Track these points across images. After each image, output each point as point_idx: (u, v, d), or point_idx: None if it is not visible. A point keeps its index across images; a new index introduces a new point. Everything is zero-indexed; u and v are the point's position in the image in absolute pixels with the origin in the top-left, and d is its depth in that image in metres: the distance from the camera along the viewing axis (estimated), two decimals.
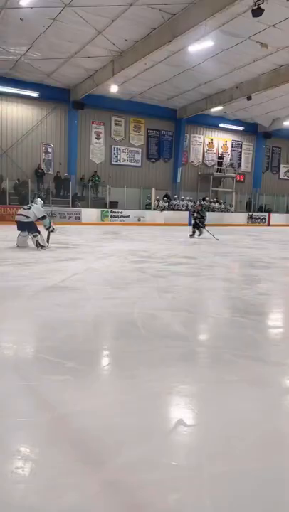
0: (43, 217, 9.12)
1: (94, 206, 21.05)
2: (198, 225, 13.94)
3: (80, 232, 15.06)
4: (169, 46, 14.40)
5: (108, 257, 8.29)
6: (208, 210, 18.03)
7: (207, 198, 25.28)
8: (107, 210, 21.07)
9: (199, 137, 26.61)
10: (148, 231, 16.49)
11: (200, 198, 24.00)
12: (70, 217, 19.50)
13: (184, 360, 3.01)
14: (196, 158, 26.66)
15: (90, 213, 20.26)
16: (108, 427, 2.02)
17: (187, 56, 16.10)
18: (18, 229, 9.02)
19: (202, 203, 14.89)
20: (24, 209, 9.14)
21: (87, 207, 20.76)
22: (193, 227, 14.17)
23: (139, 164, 24.39)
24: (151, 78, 19.03)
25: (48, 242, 9.10)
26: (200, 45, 14.66)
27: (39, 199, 9.81)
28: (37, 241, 8.77)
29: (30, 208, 9.05)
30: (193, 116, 23.97)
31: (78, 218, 19.63)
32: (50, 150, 21.57)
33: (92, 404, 2.28)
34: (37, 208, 9.05)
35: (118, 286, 5.46)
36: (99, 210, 20.78)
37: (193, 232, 14.07)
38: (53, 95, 20.43)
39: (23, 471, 1.67)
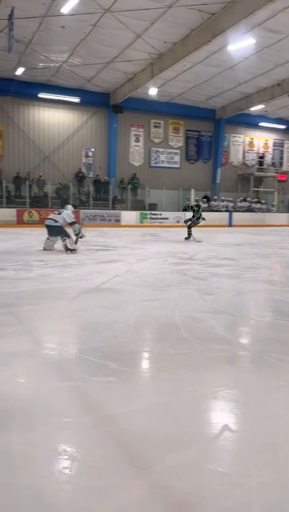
0: (73, 223, 9.24)
1: (133, 208, 21.18)
2: (190, 226, 12.69)
3: (119, 234, 15.20)
4: (209, 46, 14.31)
5: (148, 259, 8.30)
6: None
7: (247, 199, 24.82)
8: (146, 212, 21.13)
9: (239, 137, 26.22)
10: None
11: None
12: (109, 219, 19.73)
13: (228, 363, 2.96)
14: (236, 158, 26.28)
15: (130, 215, 20.39)
16: (153, 429, 2.01)
17: (227, 55, 15.92)
18: (48, 233, 9.19)
19: (199, 203, 13.73)
20: (54, 214, 9.34)
21: (127, 209, 20.91)
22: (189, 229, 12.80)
23: (178, 166, 24.32)
24: (190, 79, 18.95)
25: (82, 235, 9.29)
26: (240, 44, 14.45)
27: (69, 205, 10.04)
28: (65, 245, 8.89)
29: (60, 214, 9.22)
30: (233, 116, 23.65)
31: (118, 221, 19.82)
32: (90, 154, 21.94)
33: (136, 406, 2.28)
34: (67, 214, 9.20)
35: (159, 288, 5.45)
36: (138, 212, 20.88)
37: (189, 235, 12.71)
38: (93, 100, 20.77)
39: (70, 471, 1.70)
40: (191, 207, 13.19)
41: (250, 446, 1.92)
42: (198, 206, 13.28)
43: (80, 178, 21.06)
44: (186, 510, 1.51)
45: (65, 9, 12.40)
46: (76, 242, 9.30)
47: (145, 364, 3.13)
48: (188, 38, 14.45)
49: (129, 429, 2.02)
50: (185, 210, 13.28)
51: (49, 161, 20.91)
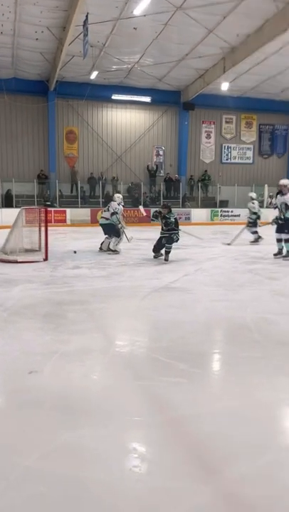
0: (112, 214, 8.78)
1: (203, 206, 20.95)
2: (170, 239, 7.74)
3: (189, 232, 15.08)
4: (284, 36, 13.68)
5: (218, 258, 8.18)
6: None
7: None
8: (217, 209, 20.82)
9: None
10: (261, 230, 15.84)
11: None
12: (180, 217, 19.61)
13: None
14: None
15: (200, 213, 20.20)
16: (223, 434, 1.98)
17: None
18: (104, 232, 8.99)
19: (169, 204, 8.54)
20: (104, 211, 9.15)
21: (197, 207, 20.73)
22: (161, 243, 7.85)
23: (250, 161, 23.62)
24: (264, 71, 18.28)
25: (128, 239, 9.15)
26: None
27: (116, 194, 9.58)
28: (109, 243, 8.80)
29: (108, 209, 8.95)
30: None
31: (188, 219, 19.71)
32: (161, 152, 22.05)
33: (206, 409, 2.25)
34: (112, 206, 8.93)
35: (230, 288, 5.34)
36: (208, 209, 20.63)
37: (158, 252, 7.95)
38: (164, 98, 20.83)
39: (140, 470, 1.72)
40: (160, 212, 7.99)
41: None
42: (166, 207, 8.10)
43: (151, 173, 21.12)
44: None
45: (138, 11, 12.52)
46: (122, 236, 8.96)
47: (215, 366, 3.09)
48: (262, 29, 13.94)
49: (199, 432, 2.01)
50: (155, 217, 8.22)
51: (121, 161, 21.35)
